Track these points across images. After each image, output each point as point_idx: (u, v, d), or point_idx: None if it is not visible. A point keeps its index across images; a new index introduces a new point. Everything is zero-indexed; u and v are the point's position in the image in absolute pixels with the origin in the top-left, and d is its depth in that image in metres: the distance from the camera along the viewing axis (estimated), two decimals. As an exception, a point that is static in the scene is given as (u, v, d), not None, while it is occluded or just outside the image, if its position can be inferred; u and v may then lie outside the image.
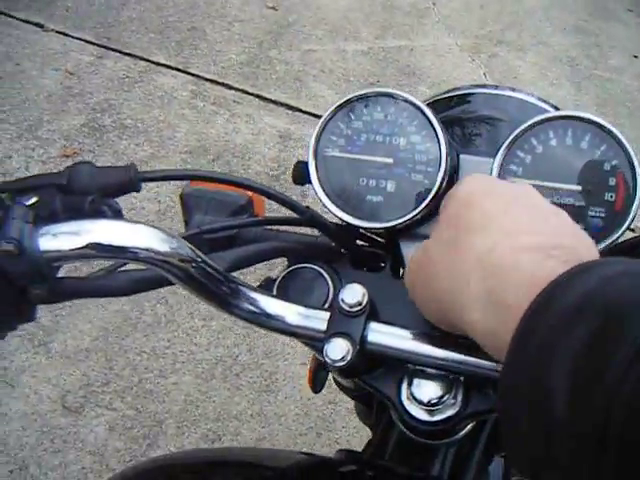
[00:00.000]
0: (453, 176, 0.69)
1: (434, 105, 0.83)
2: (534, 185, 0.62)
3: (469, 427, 0.64)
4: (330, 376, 0.97)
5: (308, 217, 0.66)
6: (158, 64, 3.13)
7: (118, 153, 2.68)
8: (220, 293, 0.58)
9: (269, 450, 1.10)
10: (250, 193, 0.75)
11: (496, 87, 0.85)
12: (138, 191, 0.59)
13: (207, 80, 3.09)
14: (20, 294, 0.53)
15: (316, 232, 0.71)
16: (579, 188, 0.63)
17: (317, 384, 0.97)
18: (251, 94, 3.05)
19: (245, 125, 2.84)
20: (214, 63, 3.20)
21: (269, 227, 0.75)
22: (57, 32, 3.16)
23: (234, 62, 3.24)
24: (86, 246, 0.52)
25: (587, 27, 4.43)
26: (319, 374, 0.97)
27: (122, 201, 0.57)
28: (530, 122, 0.65)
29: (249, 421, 1.98)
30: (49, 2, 3.31)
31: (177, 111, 2.90)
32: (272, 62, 3.29)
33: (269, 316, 0.59)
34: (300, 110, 3.04)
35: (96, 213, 0.55)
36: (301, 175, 0.70)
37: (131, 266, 0.57)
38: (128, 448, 1.88)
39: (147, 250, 0.53)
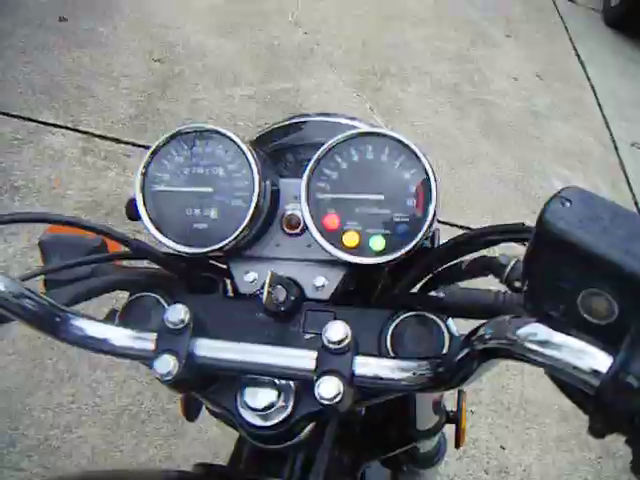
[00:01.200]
0: (275, 198, 0.76)
1: (270, 134, 0.91)
2: (340, 198, 0.70)
3: (308, 430, 0.71)
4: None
5: (135, 248, 0.72)
6: (47, 124, 3.14)
7: (11, 215, 2.68)
8: (52, 322, 0.64)
9: (133, 470, 1.13)
10: (102, 239, 0.81)
11: (324, 114, 0.94)
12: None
13: (96, 136, 3.12)
14: None
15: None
16: (382, 197, 0.71)
17: (191, 412, 1.02)
18: (141, 146, 3.09)
19: (137, 176, 2.87)
20: (103, 119, 3.24)
21: (120, 264, 0.81)
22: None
23: (122, 116, 3.29)
24: None
25: (468, 54, 4.65)
26: (191, 403, 1.02)
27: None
28: (330, 142, 0.72)
29: (159, 466, 2.00)
30: None
31: (68, 169, 2.92)
32: (160, 113, 3.35)
33: (100, 340, 0.65)
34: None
35: None
36: (133, 211, 0.76)
37: None
38: (37, 506, 1.88)
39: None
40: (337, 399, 0.58)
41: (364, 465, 1.01)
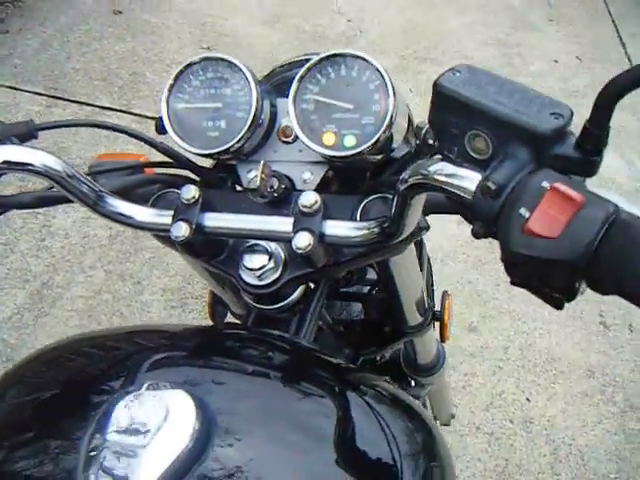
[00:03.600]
0: (273, 114, 0.92)
1: (279, 68, 1.07)
2: (320, 107, 0.86)
3: (299, 293, 0.87)
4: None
5: (162, 150, 0.89)
6: (103, 107, 3.37)
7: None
8: (94, 200, 0.81)
9: (159, 325, 1.26)
10: (142, 159, 0.99)
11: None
12: (36, 138, 0.83)
13: (148, 117, 3.34)
14: None
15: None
16: (353, 105, 0.86)
17: (217, 316, 1.20)
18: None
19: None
20: (154, 102, 3.45)
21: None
22: (7, 87, 3.40)
23: (173, 99, 3.49)
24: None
25: (509, 39, 4.74)
26: (216, 308, 1.19)
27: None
28: (310, 62, 0.88)
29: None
30: (-1, 62, 3.56)
31: (122, 147, 3.13)
32: (208, 96, 3.55)
33: (129, 217, 0.83)
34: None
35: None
36: (161, 127, 0.93)
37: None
38: None
39: (45, 167, 0.77)
40: (309, 249, 0.74)
41: (362, 357, 1.16)
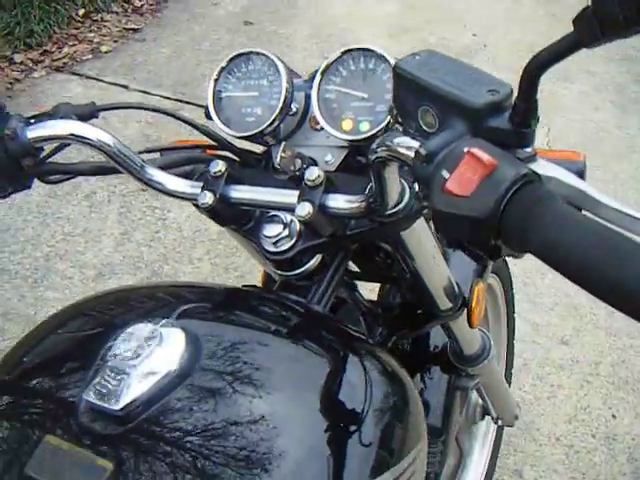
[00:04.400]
0: (307, 105, 1.02)
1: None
2: (340, 91, 0.95)
3: (313, 262, 0.96)
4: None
5: (204, 131, 1.01)
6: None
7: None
8: (140, 172, 0.93)
9: (194, 283, 1.35)
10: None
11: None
12: (97, 117, 0.97)
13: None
14: (16, 167, 0.90)
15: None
16: (367, 95, 0.95)
17: (270, 284, 1.30)
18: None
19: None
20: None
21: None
22: (139, 91, 3.67)
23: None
24: (50, 136, 0.90)
25: (637, 56, 4.63)
26: (269, 275, 1.30)
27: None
28: (332, 57, 0.98)
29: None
30: (132, 67, 3.84)
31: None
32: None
33: (163, 185, 0.94)
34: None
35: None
36: (207, 114, 1.05)
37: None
38: None
39: (100, 141, 0.91)
40: (308, 217, 0.83)
41: (395, 337, 1.23)
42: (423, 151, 0.63)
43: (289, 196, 0.89)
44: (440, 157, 0.62)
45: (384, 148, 0.72)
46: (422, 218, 0.97)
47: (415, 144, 0.66)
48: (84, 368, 0.76)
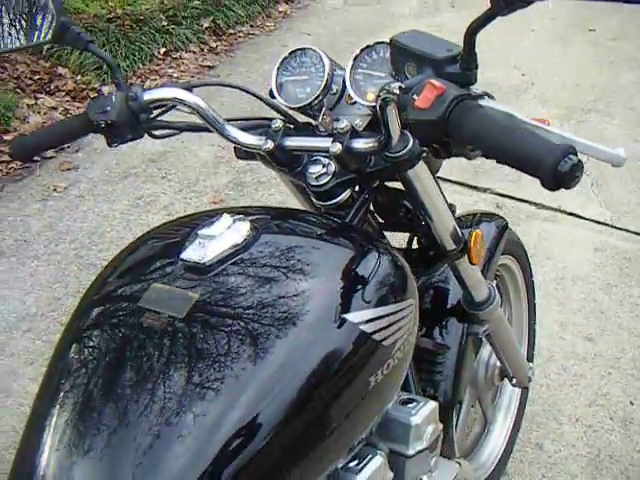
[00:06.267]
0: (344, 86, 1.38)
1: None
2: (365, 74, 1.30)
3: (344, 196, 1.31)
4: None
5: (271, 104, 1.37)
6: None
7: (254, 200, 3.52)
8: (221, 128, 1.28)
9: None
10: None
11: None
12: (191, 91, 1.33)
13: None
14: (135, 120, 1.27)
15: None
16: (383, 74, 1.28)
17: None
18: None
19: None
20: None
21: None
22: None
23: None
24: (160, 98, 1.27)
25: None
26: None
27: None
28: (360, 48, 1.33)
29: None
30: (208, 98, 4.26)
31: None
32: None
33: (237, 138, 1.29)
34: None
35: None
36: (271, 93, 1.41)
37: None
38: None
39: (197, 105, 1.26)
40: (338, 153, 1.17)
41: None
42: (404, 86, 0.98)
43: (326, 142, 1.24)
44: (414, 89, 0.97)
45: (385, 91, 1.07)
46: (425, 167, 1.31)
47: (401, 84, 1.01)
48: (182, 242, 1.11)
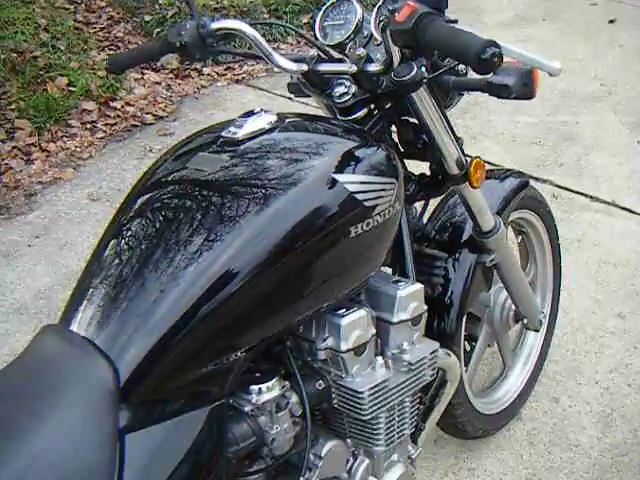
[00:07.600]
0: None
1: None
2: (387, 17, 1.61)
3: (362, 113, 1.61)
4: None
5: (311, 40, 1.68)
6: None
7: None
8: (270, 55, 1.58)
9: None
10: None
11: None
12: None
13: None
14: (203, 44, 1.61)
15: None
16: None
17: None
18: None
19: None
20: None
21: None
22: (301, 103, 4.44)
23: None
24: (225, 27, 1.60)
25: None
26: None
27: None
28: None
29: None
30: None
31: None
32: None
33: (284, 65, 1.61)
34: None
35: None
36: (315, 36, 1.73)
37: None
38: None
39: (253, 36, 1.57)
40: (355, 71, 1.49)
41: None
42: (393, 9, 1.29)
43: (347, 66, 1.55)
44: (397, 9, 1.28)
45: (383, 16, 1.38)
46: (428, 94, 1.60)
47: (390, 7, 1.32)
48: (220, 128, 1.45)
